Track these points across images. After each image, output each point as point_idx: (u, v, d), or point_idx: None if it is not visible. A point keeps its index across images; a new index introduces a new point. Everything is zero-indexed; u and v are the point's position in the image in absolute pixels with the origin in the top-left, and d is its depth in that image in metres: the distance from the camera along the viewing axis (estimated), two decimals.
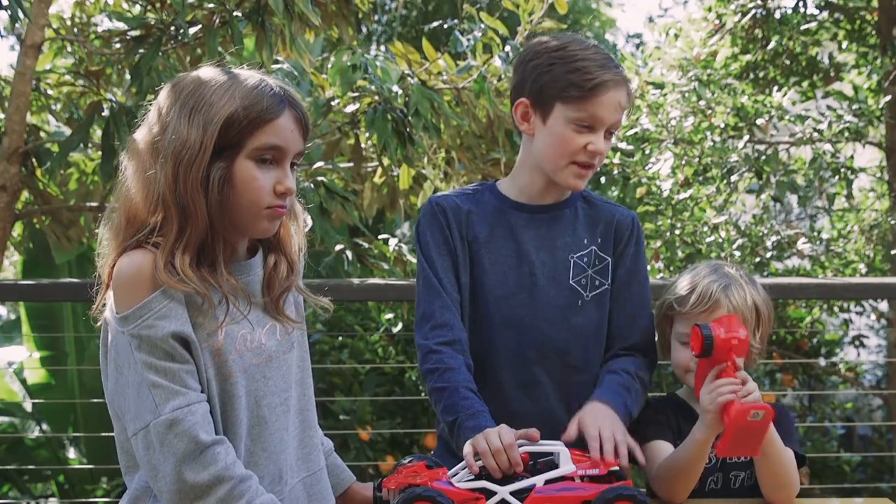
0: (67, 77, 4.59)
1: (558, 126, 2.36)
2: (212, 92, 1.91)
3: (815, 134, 5.57)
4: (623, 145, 5.54)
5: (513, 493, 2.06)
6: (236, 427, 1.97)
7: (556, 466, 2.12)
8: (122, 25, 4.10)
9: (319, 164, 4.17)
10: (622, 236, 2.52)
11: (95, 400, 2.03)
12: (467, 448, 2.14)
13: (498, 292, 2.43)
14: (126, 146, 2.00)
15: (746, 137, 5.69)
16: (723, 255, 5.28)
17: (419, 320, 2.41)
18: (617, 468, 2.13)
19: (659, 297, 2.59)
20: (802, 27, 6.59)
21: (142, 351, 1.85)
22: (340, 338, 6.52)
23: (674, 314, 2.50)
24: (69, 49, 4.73)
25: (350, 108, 4.33)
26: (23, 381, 6.77)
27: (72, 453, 6.77)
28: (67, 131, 4.72)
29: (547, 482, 2.07)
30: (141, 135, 1.95)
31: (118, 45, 4.18)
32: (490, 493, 2.06)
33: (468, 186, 2.56)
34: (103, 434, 2.03)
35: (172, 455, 1.83)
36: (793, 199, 5.91)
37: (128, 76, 4.10)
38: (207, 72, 1.97)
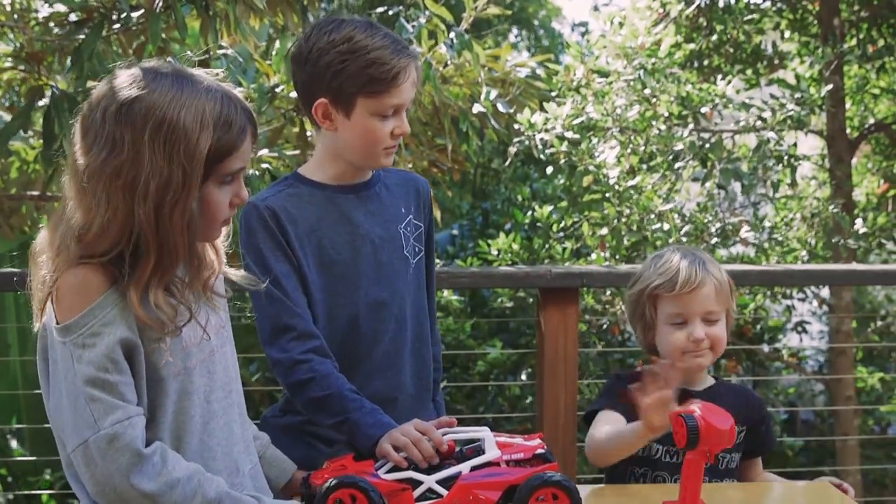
0: (7, 63, 4.51)
1: (364, 120, 2.36)
2: (181, 119, 1.84)
3: (759, 122, 5.61)
4: (569, 134, 5.55)
5: (439, 482, 2.06)
6: (189, 424, 1.97)
7: (482, 452, 2.13)
8: (62, 8, 4.04)
9: (264, 151, 4.14)
10: (427, 203, 2.60)
11: (39, 391, 1.99)
12: (385, 447, 2.15)
13: (349, 276, 2.43)
14: (68, 163, 1.92)
15: (691, 125, 5.72)
16: (670, 241, 5.32)
17: (271, 335, 2.36)
18: (543, 451, 2.14)
19: (607, 285, 2.65)
20: (746, 17, 6.64)
21: (82, 363, 1.82)
22: None
23: (659, 295, 2.54)
24: (10, 35, 4.65)
25: (295, 94, 4.30)
26: None
27: (15, 445, 6.68)
28: (6, 118, 4.65)
29: (473, 468, 2.08)
30: (89, 158, 1.86)
31: (58, 31, 4.11)
32: (416, 483, 2.06)
33: (278, 184, 2.51)
34: (47, 426, 1.99)
35: (117, 469, 1.81)
36: (737, 186, 5.95)
37: (69, 62, 4.04)
38: (166, 90, 1.87)
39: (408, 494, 2.04)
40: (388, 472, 2.10)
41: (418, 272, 2.55)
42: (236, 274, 2.16)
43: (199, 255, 2.02)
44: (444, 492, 2.05)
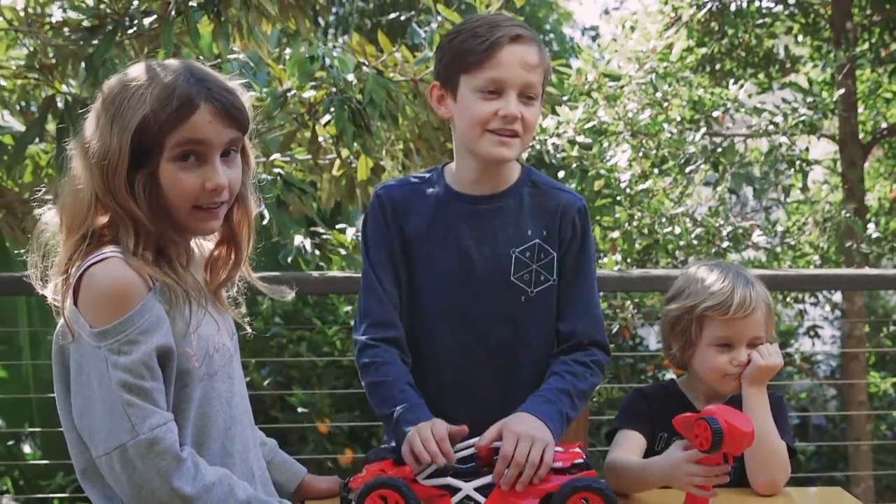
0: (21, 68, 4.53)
1: (466, 98, 2.28)
2: (129, 96, 1.89)
3: (771, 126, 5.60)
4: (581, 138, 5.55)
5: (477, 489, 2.06)
6: (210, 429, 1.98)
7: None
8: (75, 14, 4.05)
9: (276, 155, 4.15)
10: (567, 229, 2.39)
11: (51, 395, 1.99)
12: (405, 447, 2.11)
13: (435, 290, 2.37)
14: (71, 147, 1.99)
15: (703, 129, 5.71)
16: (681, 244, 5.31)
17: (358, 317, 2.37)
18: (581, 461, 2.12)
19: (619, 290, 2.60)
20: (758, 21, 6.64)
21: (118, 368, 1.81)
22: (298, 331, 6.50)
23: (708, 316, 2.49)
24: (22, 41, 4.66)
25: (307, 96, 4.31)
26: None
27: (27, 448, 6.70)
28: (16, 124, 4.66)
29: None
30: (79, 139, 1.96)
31: (72, 37, 4.12)
32: (455, 490, 2.06)
33: (422, 172, 2.48)
34: (59, 429, 2.00)
35: (157, 472, 1.82)
36: (748, 191, 5.94)
37: (83, 67, 4.04)
38: (132, 72, 1.95)
39: (446, 501, 2.04)
40: (427, 477, 2.10)
41: (537, 303, 2.38)
42: (263, 285, 2.17)
43: (186, 242, 2.03)
44: (482, 499, 2.05)
